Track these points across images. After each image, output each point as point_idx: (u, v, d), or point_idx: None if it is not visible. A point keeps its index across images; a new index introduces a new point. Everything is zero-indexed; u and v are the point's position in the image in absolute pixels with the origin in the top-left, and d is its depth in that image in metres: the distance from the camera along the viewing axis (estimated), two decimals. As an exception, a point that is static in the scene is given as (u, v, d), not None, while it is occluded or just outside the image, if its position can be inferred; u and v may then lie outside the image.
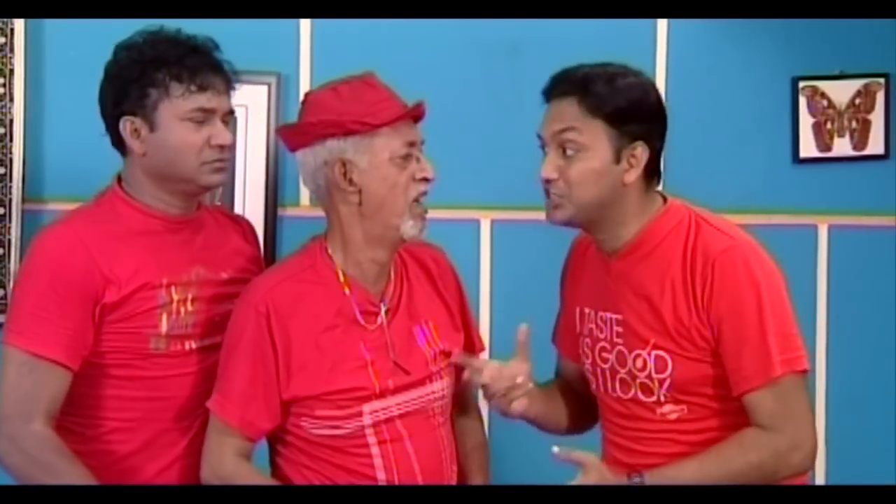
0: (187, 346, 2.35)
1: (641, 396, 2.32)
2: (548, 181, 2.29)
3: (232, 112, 2.38)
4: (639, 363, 2.31)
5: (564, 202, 2.29)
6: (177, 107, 2.29)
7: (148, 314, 2.30)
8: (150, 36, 2.33)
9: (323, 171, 2.29)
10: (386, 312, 2.35)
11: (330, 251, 2.34)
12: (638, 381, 2.32)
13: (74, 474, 2.22)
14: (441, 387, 2.39)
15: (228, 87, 2.36)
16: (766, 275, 2.26)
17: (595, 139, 2.27)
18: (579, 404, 2.52)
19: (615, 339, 2.34)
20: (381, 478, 2.30)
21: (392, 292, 2.37)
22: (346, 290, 2.32)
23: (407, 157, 2.29)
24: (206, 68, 2.31)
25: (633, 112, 2.28)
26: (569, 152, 2.27)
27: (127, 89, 2.29)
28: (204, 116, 2.31)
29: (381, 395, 2.30)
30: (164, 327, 2.31)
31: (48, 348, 2.23)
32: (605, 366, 2.37)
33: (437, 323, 2.42)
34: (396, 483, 2.30)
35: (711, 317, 2.24)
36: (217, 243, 2.43)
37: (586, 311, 2.41)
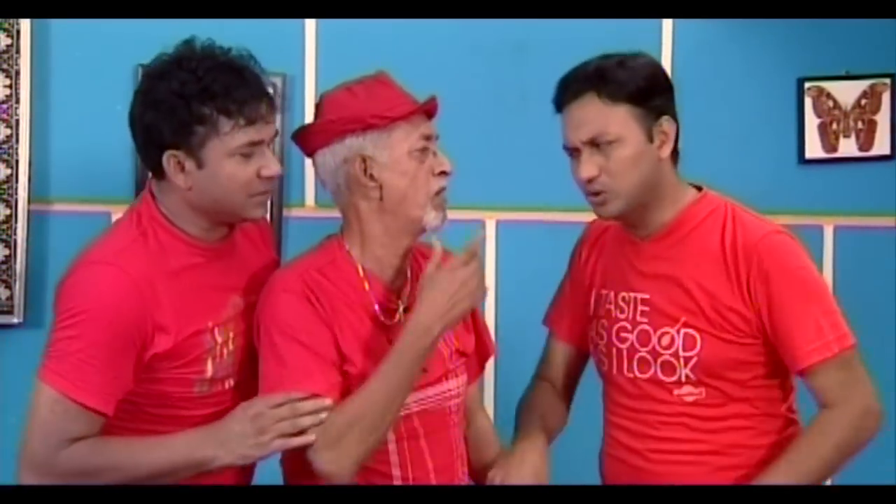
0: (227, 385, 2.31)
1: (661, 376, 2.35)
2: (589, 180, 2.31)
3: (276, 134, 2.30)
4: (665, 341, 2.34)
5: (610, 196, 2.32)
6: (226, 143, 2.19)
7: (196, 360, 2.25)
8: (188, 60, 2.20)
9: (343, 168, 2.30)
10: (404, 310, 2.36)
11: (348, 248, 2.35)
12: (661, 359, 2.34)
13: (122, 457, 2.20)
14: (456, 385, 2.41)
15: (274, 112, 2.27)
16: (807, 258, 2.36)
17: (625, 126, 2.30)
18: (564, 404, 2.56)
19: (638, 319, 2.37)
20: (396, 474, 2.32)
21: (409, 291, 2.38)
22: (366, 286, 2.33)
23: (424, 151, 2.32)
24: (253, 98, 2.20)
25: (653, 88, 2.32)
26: (603, 146, 2.30)
27: (170, 123, 2.18)
28: (253, 150, 2.22)
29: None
30: (209, 372, 2.27)
31: (88, 397, 2.16)
32: (623, 346, 2.39)
33: None
34: (411, 480, 2.32)
35: (759, 299, 2.29)
36: (249, 262, 2.38)
37: (603, 292, 2.44)
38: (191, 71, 2.19)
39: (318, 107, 2.37)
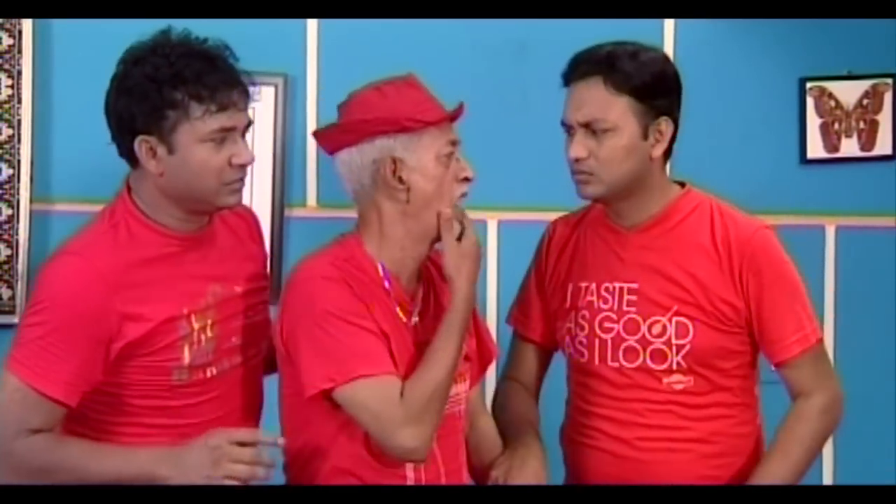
0: (208, 374, 2.30)
1: (651, 364, 2.38)
2: (577, 160, 2.34)
3: (250, 124, 2.31)
4: (656, 329, 2.37)
5: (594, 179, 2.35)
6: (197, 129, 2.19)
7: (171, 347, 2.24)
8: (162, 47, 2.23)
9: (371, 169, 2.30)
10: (417, 313, 2.37)
11: (366, 247, 2.35)
12: (651, 347, 2.37)
13: (75, 459, 2.18)
14: (464, 389, 2.41)
15: (247, 100, 2.28)
16: (786, 253, 2.43)
17: (623, 117, 2.32)
18: (534, 404, 2.57)
19: (625, 308, 2.40)
20: (410, 476, 2.32)
21: (422, 294, 2.40)
22: (386, 284, 2.33)
23: (450, 157, 2.33)
24: (225, 85, 2.21)
25: (658, 86, 2.35)
26: (598, 132, 2.32)
27: (142, 108, 2.20)
28: (224, 136, 2.22)
29: None
30: (186, 359, 2.26)
31: (47, 385, 2.17)
32: (607, 336, 2.41)
33: None
34: (423, 481, 2.32)
35: (751, 290, 2.36)
36: (229, 253, 2.37)
37: (582, 285, 2.45)
38: (164, 56, 2.20)
39: (343, 105, 2.36)
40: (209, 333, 2.29)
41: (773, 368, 2.44)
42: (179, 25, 2.34)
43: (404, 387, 2.22)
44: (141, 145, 2.22)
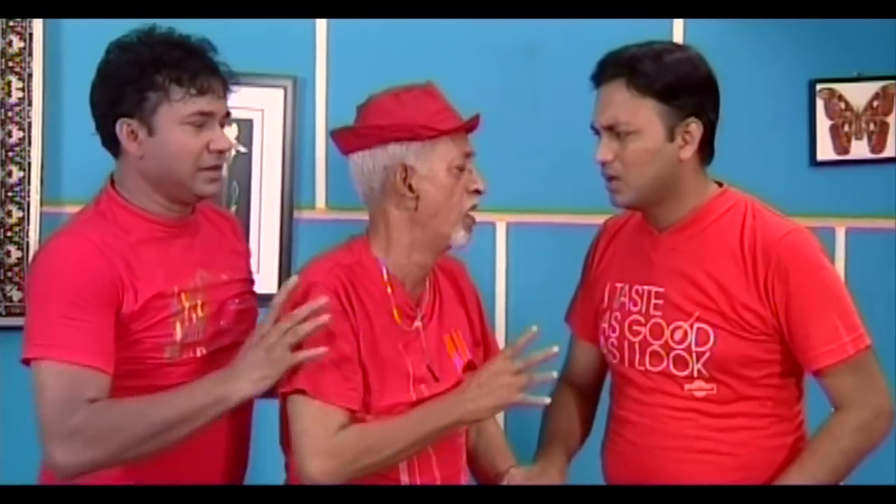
0: (198, 353, 2.32)
1: (673, 370, 2.35)
2: (604, 163, 2.32)
3: (229, 115, 2.36)
4: (678, 335, 2.34)
5: (623, 185, 2.33)
6: (177, 111, 2.26)
7: (163, 323, 2.27)
8: (145, 36, 2.31)
9: (381, 174, 2.32)
10: (421, 318, 2.37)
11: (373, 251, 2.36)
12: (673, 353, 2.34)
13: (134, 412, 2.17)
14: None
15: (226, 90, 2.34)
16: (825, 257, 2.36)
17: (646, 120, 2.29)
18: (589, 407, 2.56)
19: (652, 312, 2.37)
20: (405, 480, 2.32)
21: (427, 300, 2.40)
22: (389, 290, 2.34)
23: (461, 168, 2.34)
24: (205, 71, 2.28)
25: (683, 87, 2.30)
26: (622, 135, 2.30)
27: (124, 91, 2.27)
28: (203, 120, 2.28)
29: (415, 404, 2.32)
30: (178, 335, 2.29)
31: (84, 355, 2.16)
32: (636, 339, 2.39)
33: (463, 334, 2.46)
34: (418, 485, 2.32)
35: (777, 297, 2.29)
36: (215, 244, 2.42)
37: (618, 285, 2.44)
38: (147, 44, 2.29)
39: (361, 108, 2.37)
40: (199, 313, 2.33)
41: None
42: (188, 26, 2.36)
43: (353, 428, 2.22)
44: (122, 127, 2.28)
